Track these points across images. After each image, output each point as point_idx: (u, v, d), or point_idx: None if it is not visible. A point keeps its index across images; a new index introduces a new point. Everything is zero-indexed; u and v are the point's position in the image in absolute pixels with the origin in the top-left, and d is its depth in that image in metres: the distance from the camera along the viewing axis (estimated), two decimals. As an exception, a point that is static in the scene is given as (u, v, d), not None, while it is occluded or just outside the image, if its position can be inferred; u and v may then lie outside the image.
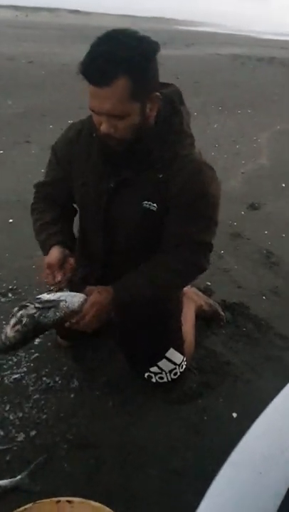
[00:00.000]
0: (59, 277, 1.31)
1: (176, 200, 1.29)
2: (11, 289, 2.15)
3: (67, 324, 1.29)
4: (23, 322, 1.19)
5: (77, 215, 1.54)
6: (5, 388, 1.61)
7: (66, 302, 1.25)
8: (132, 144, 1.21)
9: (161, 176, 1.28)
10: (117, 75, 1.08)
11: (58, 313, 1.23)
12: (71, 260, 1.35)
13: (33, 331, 1.21)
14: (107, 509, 1.03)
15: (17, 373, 1.67)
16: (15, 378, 1.65)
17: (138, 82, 1.11)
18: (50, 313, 1.22)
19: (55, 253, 1.35)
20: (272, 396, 1.00)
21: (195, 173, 1.28)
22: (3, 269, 2.31)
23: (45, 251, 1.39)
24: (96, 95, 1.12)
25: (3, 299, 2.08)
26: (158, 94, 1.20)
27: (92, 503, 1.05)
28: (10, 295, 2.11)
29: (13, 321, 1.20)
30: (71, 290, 1.31)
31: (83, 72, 1.10)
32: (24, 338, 1.21)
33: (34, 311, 1.21)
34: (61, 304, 1.24)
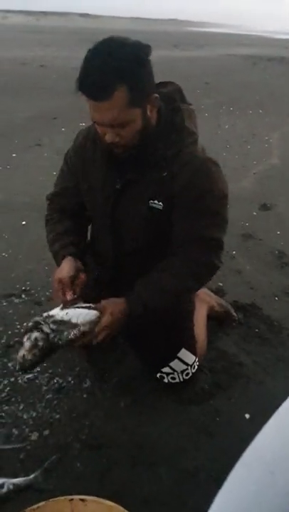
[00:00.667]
0: (68, 297, 1.31)
1: (181, 197, 1.30)
2: (24, 290, 2.17)
3: (78, 344, 1.30)
4: (40, 346, 1.23)
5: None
6: (19, 388, 1.63)
7: (79, 325, 1.26)
8: (137, 149, 1.22)
9: (165, 174, 1.29)
10: (113, 87, 1.09)
11: (71, 336, 1.25)
12: (82, 276, 1.35)
13: (49, 352, 1.26)
14: (121, 508, 1.04)
15: (30, 373, 1.68)
16: (28, 378, 1.67)
17: (135, 89, 1.12)
18: (64, 335, 1.25)
19: (66, 268, 1.35)
20: (284, 397, 1.00)
21: (198, 169, 1.28)
22: (17, 271, 2.34)
23: (58, 262, 1.40)
24: (96, 109, 1.14)
25: (16, 300, 2.11)
26: (156, 95, 1.21)
27: (105, 501, 1.05)
28: (23, 296, 2.14)
29: (28, 344, 1.23)
30: (84, 301, 1.32)
31: (80, 88, 1.13)
32: (41, 360, 1.26)
33: (49, 331, 1.23)
34: (75, 326, 1.26)
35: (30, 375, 1.68)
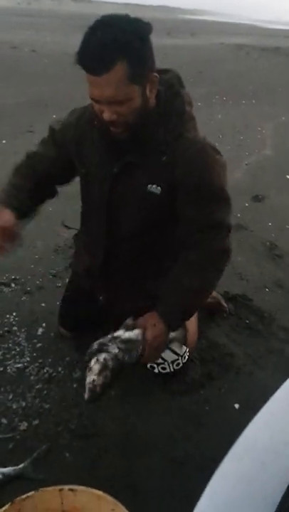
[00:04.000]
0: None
1: (183, 183, 1.28)
2: (14, 279, 2.15)
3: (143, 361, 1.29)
4: (110, 367, 1.17)
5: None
6: (8, 378, 1.61)
7: (141, 342, 1.23)
8: (135, 129, 1.20)
9: (164, 158, 1.27)
10: (113, 61, 1.08)
11: (136, 354, 1.22)
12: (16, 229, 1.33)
13: (118, 373, 1.20)
14: (109, 497, 1.04)
15: (20, 363, 1.68)
16: (18, 368, 1.65)
17: (135, 64, 1.10)
18: (133, 353, 1.21)
19: (8, 216, 1.33)
20: (274, 388, 1.00)
21: (200, 154, 1.27)
22: (6, 259, 2.30)
23: None
24: (95, 83, 1.12)
25: (6, 289, 2.08)
26: (156, 74, 1.20)
27: (95, 491, 1.05)
28: (13, 285, 2.11)
29: (97, 367, 1.16)
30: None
31: (79, 62, 1.10)
32: (111, 382, 1.19)
33: (117, 351, 1.18)
34: (139, 343, 1.23)
35: (19, 365, 1.66)
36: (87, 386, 1.17)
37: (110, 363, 1.17)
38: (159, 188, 1.29)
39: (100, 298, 1.56)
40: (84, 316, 1.68)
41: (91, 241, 1.48)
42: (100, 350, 1.19)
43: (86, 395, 1.18)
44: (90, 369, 1.18)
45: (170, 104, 1.27)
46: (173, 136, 1.26)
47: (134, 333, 1.24)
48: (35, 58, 8.86)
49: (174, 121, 1.27)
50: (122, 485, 1.28)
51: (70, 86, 6.11)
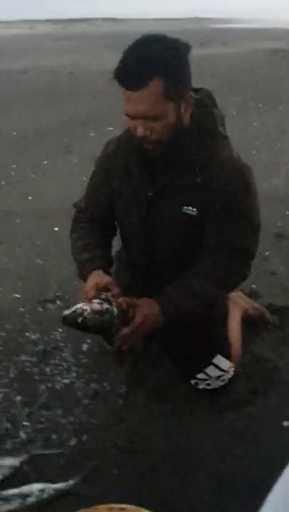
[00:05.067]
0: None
1: (216, 203, 1.29)
2: (58, 296, 2.21)
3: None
4: (105, 318, 1.20)
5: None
6: (56, 393, 1.65)
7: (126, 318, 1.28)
8: (168, 147, 1.22)
9: (199, 179, 1.28)
10: (150, 77, 1.11)
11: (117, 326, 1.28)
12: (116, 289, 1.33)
13: (99, 329, 1.25)
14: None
15: (67, 378, 1.71)
16: (65, 383, 1.69)
17: (171, 82, 1.14)
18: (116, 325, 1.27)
19: (105, 277, 1.34)
20: None
21: (235, 175, 1.28)
22: (51, 277, 2.39)
23: (84, 271, 1.39)
24: (131, 99, 1.15)
25: (51, 306, 2.15)
26: (191, 94, 1.22)
27: (145, 511, 1.05)
28: (58, 302, 2.17)
29: (97, 306, 1.19)
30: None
31: (117, 77, 1.15)
32: (89, 328, 1.22)
33: (115, 315, 1.24)
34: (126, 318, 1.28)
35: (67, 381, 1.70)
36: (76, 309, 1.17)
37: (106, 316, 1.20)
38: (194, 209, 1.30)
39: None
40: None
41: (131, 262, 1.51)
42: (107, 301, 1.23)
43: (68, 313, 1.18)
44: (90, 302, 1.20)
45: (202, 123, 1.28)
46: (206, 156, 1.27)
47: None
48: (71, 79, 9.15)
49: (207, 141, 1.28)
50: (170, 504, 1.27)
51: (106, 104, 6.25)
